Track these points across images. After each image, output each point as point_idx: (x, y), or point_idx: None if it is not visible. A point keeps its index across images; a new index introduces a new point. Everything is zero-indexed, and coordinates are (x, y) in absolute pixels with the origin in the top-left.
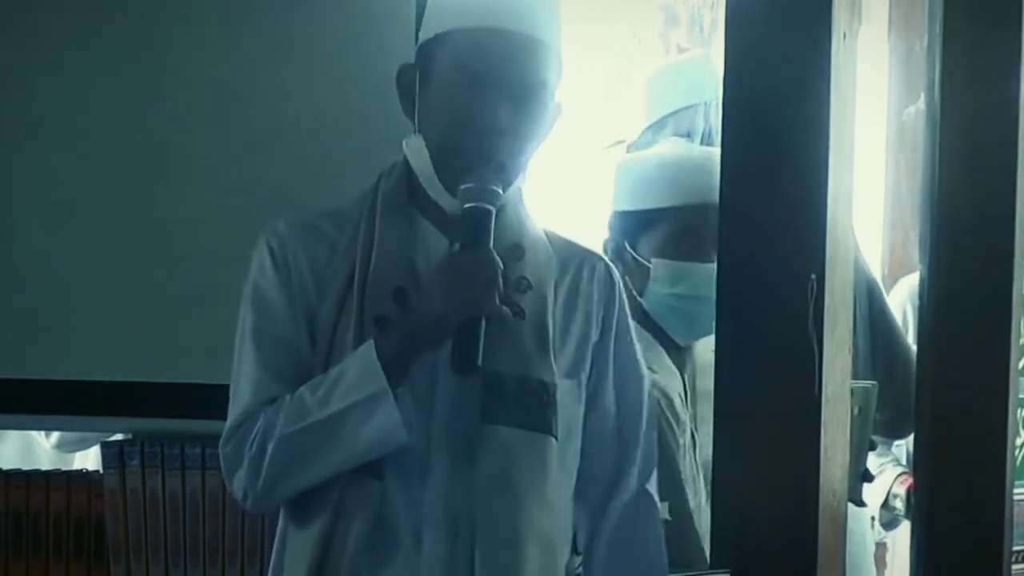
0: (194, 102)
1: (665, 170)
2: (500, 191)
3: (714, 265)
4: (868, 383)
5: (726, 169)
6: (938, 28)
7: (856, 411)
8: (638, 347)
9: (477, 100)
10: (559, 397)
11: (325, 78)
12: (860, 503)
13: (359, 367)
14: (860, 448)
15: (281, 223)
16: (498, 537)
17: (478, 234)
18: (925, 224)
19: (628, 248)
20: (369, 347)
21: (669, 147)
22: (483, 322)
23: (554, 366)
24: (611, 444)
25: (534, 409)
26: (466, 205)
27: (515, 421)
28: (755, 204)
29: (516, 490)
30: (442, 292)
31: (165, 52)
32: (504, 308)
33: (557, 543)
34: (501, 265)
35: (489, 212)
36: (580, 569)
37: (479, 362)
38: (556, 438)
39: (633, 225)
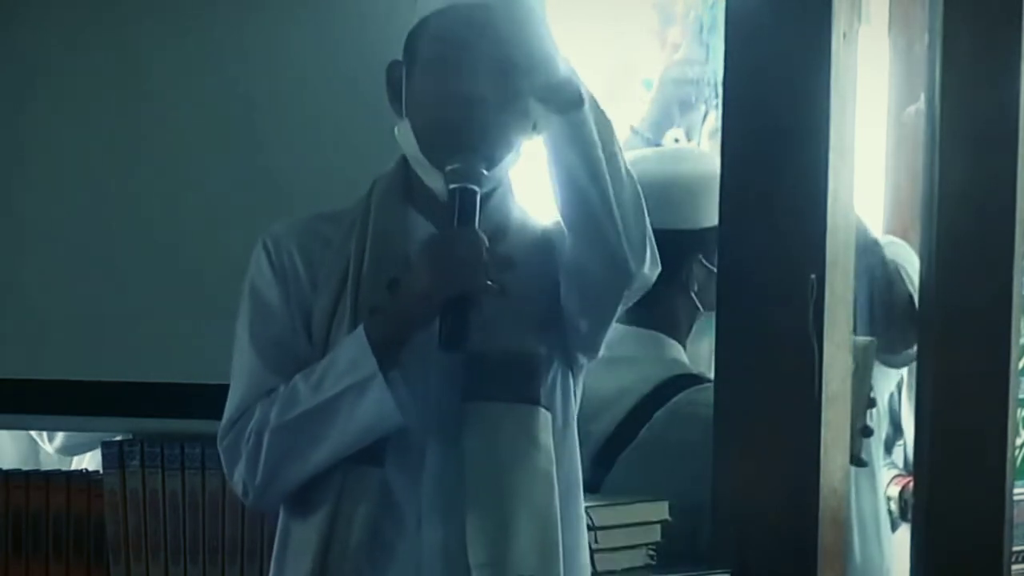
0: (194, 100)
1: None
2: (485, 171)
3: None
4: (867, 339)
5: (726, 169)
6: (938, 28)
7: (855, 366)
8: None
9: (455, 69)
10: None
11: (324, 77)
12: (860, 463)
13: (350, 352)
14: (859, 404)
15: (277, 225)
16: (486, 512)
17: (463, 213)
18: (925, 224)
19: None
20: (359, 332)
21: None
22: (468, 300)
23: (544, 339)
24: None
25: (518, 381)
26: (451, 186)
27: (497, 395)
28: (755, 204)
29: (502, 464)
30: (427, 271)
31: (159, 49)
32: (491, 285)
33: (552, 511)
34: (486, 242)
35: (474, 192)
36: None
37: (466, 340)
38: (545, 408)
39: None
